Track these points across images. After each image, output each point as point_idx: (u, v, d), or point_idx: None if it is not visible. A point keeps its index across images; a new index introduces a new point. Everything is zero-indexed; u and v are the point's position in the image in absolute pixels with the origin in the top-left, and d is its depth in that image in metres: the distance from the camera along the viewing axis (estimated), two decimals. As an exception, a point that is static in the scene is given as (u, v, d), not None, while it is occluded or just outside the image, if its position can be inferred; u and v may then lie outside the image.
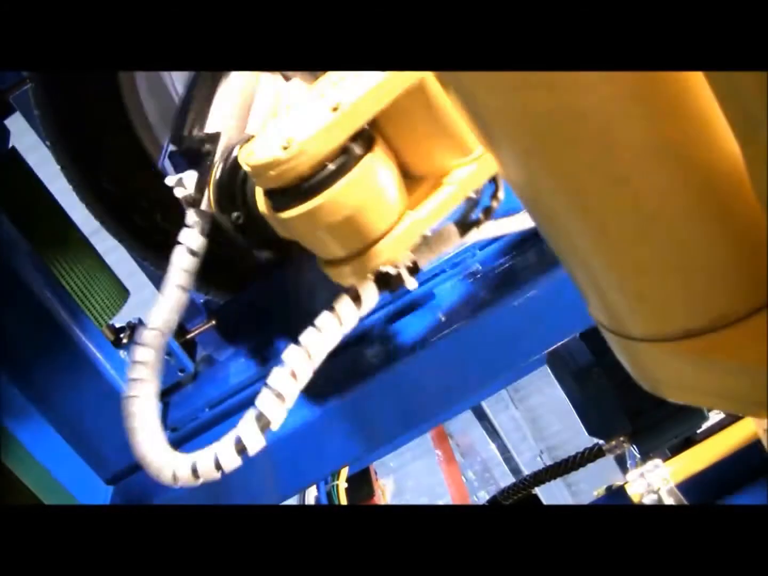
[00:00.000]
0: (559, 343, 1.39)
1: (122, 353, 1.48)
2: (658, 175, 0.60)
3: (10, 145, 1.47)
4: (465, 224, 1.07)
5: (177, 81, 1.70)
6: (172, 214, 1.72)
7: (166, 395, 1.53)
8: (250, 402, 1.45)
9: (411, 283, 1.00)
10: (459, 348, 1.29)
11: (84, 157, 1.64)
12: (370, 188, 0.90)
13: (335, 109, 0.86)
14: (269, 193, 0.93)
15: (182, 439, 1.43)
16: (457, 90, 0.64)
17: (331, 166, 0.87)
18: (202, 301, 1.94)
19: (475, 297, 1.32)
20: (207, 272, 1.78)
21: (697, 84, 0.55)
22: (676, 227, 0.62)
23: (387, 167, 0.92)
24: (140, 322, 1.58)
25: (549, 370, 2.03)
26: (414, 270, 1.00)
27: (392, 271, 0.97)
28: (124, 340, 1.51)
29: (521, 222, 1.22)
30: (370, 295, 0.99)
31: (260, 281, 1.77)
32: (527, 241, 1.38)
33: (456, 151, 0.95)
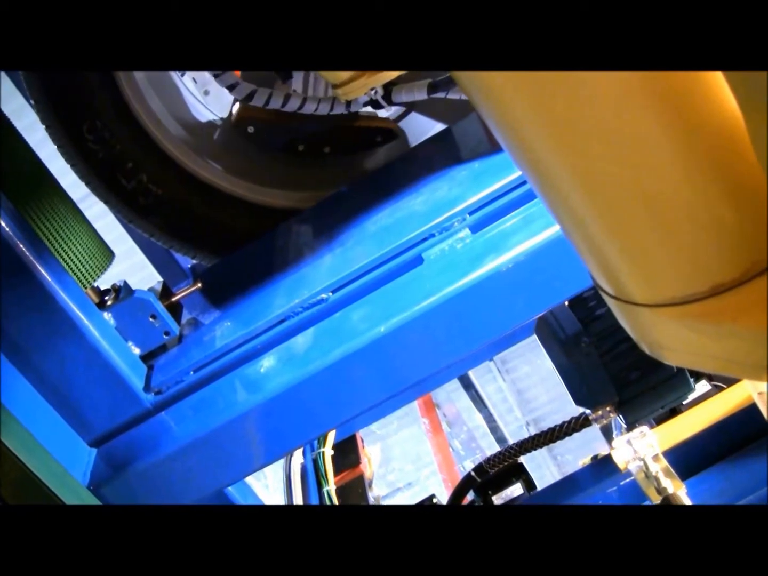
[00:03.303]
0: (547, 310, 1.38)
1: (106, 315, 1.46)
2: (657, 138, 0.61)
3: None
4: (434, 86, 1.66)
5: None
6: (158, 175, 1.70)
7: (150, 358, 1.52)
8: (235, 365, 1.45)
9: (384, 104, 1.72)
10: (446, 313, 1.28)
11: (69, 116, 1.61)
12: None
13: None
14: None
15: (167, 402, 1.42)
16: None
17: None
18: (189, 264, 1.92)
19: (463, 262, 1.31)
20: (194, 235, 1.78)
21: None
22: (677, 192, 0.63)
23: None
24: (125, 285, 1.56)
25: (536, 341, 2.03)
26: (387, 97, 1.70)
27: (373, 96, 1.69)
28: (109, 302, 1.49)
29: None
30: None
31: (247, 244, 1.75)
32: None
33: None
